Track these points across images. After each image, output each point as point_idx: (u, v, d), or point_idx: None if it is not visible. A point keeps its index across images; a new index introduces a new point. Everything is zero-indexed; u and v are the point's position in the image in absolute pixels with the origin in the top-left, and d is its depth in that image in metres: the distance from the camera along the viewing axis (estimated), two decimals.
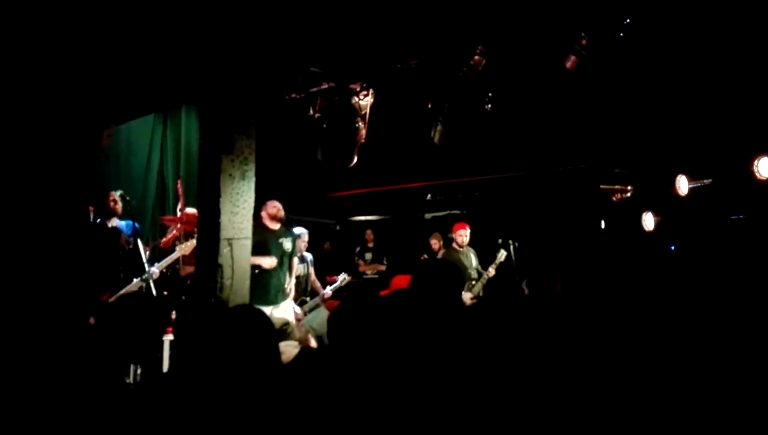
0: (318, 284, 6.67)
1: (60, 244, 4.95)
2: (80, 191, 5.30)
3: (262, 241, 5.35)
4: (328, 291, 6.55)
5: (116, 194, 5.15)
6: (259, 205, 4.78)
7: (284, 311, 5.66)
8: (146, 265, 5.02)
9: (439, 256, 7.39)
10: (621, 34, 4.10)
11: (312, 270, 6.61)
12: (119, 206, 5.14)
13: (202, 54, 4.55)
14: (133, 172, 7.05)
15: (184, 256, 5.62)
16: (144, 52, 4.86)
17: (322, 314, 6.24)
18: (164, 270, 5.44)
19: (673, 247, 7.40)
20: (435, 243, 7.77)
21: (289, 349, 2.36)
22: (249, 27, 4.36)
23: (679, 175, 6.74)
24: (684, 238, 7.22)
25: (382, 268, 8.60)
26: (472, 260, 6.95)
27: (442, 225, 8.10)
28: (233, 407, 2.00)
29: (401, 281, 5.46)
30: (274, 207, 5.64)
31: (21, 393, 2.06)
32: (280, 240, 5.65)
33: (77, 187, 5.27)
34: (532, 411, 2.09)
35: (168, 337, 4.21)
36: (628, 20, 4.12)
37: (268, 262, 5.43)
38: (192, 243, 5.30)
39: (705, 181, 6.78)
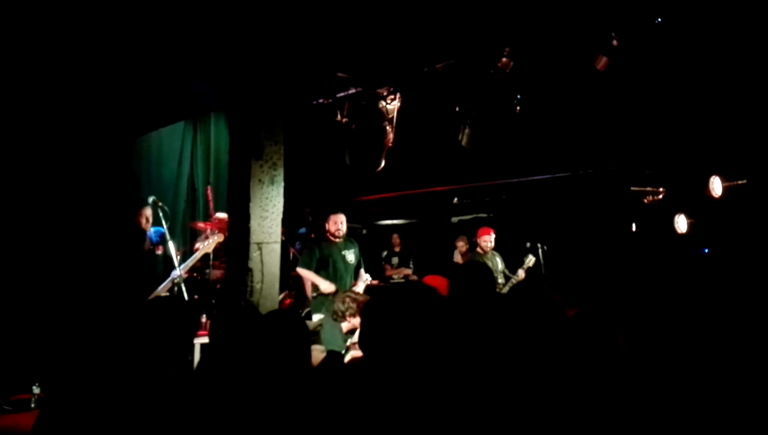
0: None
1: (89, 247, 5.06)
2: (110, 197, 5.40)
3: (327, 255, 5.58)
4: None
5: (148, 212, 5.21)
6: (287, 210, 4.83)
7: None
8: (177, 269, 5.10)
9: (464, 260, 7.35)
10: (652, 34, 4.03)
11: None
12: (149, 224, 5.22)
13: (230, 61, 4.60)
14: (164, 179, 7.17)
15: (213, 262, 5.70)
16: (174, 60, 4.94)
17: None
18: (194, 273, 5.50)
19: (706, 250, 7.25)
20: (462, 246, 7.73)
21: (314, 353, 2.36)
22: (276, 34, 4.41)
23: (713, 176, 6.60)
24: (718, 240, 7.06)
25: (409, 272, 8.58)
26: (498, 264, 6.87)
27: (468, 229, 8.06)
28: (262, 409, 2.01)
29: (433, 281, 5.38)
30: (335, 223, 5.68)
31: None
32: (343, 252, 5.71)
33: (106, 192, 5.37)
34: (563, 414, 2.06)
35: (199, 340, 4.27)
36: (659, 19, 4.06)
37: (325, 286, 5.45)
38: (214, 240, 5.33)
39: (739, 181, 6.64)
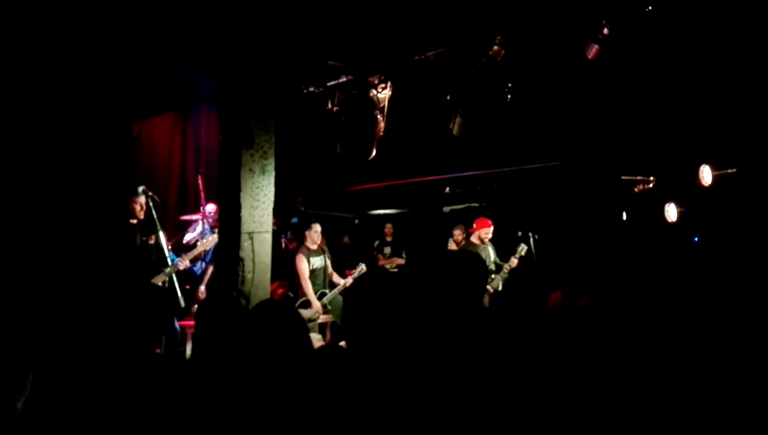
0: (336, 276, 6.71)
1: (88, 238, 5.02)
2: (110, 186, 5.35)
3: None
4: (349, 280, 6.58)
5: (142, 200, 5.16)
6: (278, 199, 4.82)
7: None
8: (169, 260, 5.07)
9: (459, 249, 7.35)
10: (643, 22, 4.02)
11: (329, 262, 6.66)
12: (143, 212, 5.16)
13: (221, 50, 4.57)
14: (155, 170, 7.13)
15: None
16: (165, 48, 4.90)
17: (339, 300, 6.41)
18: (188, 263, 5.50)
19: (696, 239, 7.29)
20: (458, 234, 7.72)
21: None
22: (267, 22, 4.37)
23: (703, 165, 6.62)
24: (708, 229, 7.10)
25: (401, 261, 8.58)
26: (491, 254, 6.92)
27: (460, 218, 8.07)
28: (262, 400, 2.00)
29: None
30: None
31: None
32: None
33: (107, 181, 5.32)
34: (549, 409, 2.06)
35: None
36: (650, 7, 4.05)
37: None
38: (213, 238, 5.36)
39: (729, 170, 6.67)
